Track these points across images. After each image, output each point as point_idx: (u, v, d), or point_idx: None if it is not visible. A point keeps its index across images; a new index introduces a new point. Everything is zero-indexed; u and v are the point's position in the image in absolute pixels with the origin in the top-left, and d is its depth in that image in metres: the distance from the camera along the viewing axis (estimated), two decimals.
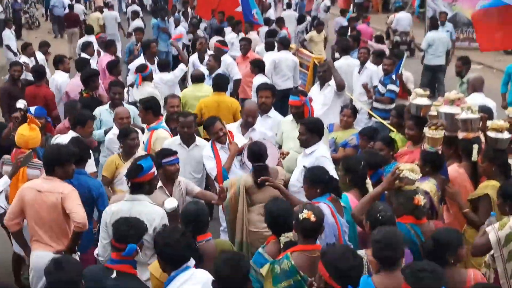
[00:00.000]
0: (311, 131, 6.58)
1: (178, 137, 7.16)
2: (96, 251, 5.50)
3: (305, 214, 4.50)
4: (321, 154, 6.50)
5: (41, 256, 5.46)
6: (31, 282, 5.71)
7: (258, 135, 7.25)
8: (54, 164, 5.56)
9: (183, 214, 4.94)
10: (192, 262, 4.30)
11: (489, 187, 5.60)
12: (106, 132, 7.99)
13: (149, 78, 9.76)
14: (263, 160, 6.18)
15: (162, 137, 7.33)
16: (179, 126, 7.11)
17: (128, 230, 4.44)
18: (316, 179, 5.40)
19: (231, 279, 3.81)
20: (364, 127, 8.14)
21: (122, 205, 5.26)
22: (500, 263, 4.88)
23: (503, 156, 5.80)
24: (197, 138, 7.27)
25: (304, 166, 6.47)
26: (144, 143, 7.32)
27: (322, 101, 8.79)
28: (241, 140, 6.99)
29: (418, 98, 6.58)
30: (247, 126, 7.45)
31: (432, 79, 13.89)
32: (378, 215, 4.66)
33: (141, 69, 9.76)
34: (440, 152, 5.82)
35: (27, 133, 6.58)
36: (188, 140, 7.09)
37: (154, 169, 5.32)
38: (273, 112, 8.03)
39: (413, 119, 6.61)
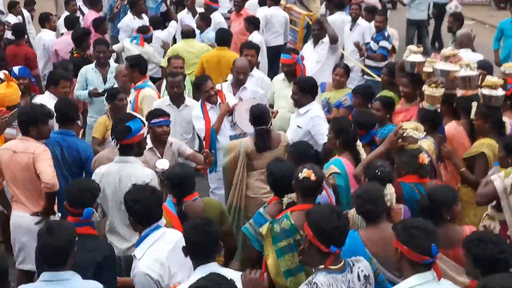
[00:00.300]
0: (304, 90, 6.43)
1: (167, 97, 6.97)
2: None
3: (305, 173, 4.41)
4: (315, 114, 6.37)
5: (19, 216, 5.47)
6: (12, 242, 5.67)
7: (249, 94, 7.09)
8: (28, 124, 5.45)
9: (169, 176, 4.86)
10: (163, 221, 4.24)
11: (485, 145, 5.53)
12: (90, 94, 7.82)
13: (149, 40, 9.55)
14: (266, 123, 5.98)
15: (149, 95, 7.16)
16: (168, 86, 6.92)
17: (82, 195, 4.36)
18: (302, 154, 5.21)
19: (199, 244, 3.73)
20: (358, 85, 7.94)
21: (111, 166, 5.14)
22: (508, 211, 4.85)
23: (497, 113, 5.70)
24: (187, 98, 7.10)
25: (298, 126, 6.38)
26: (131, 102, 7.14)
27: (315, 59, 8.66)
28: (231, 100, 6.83)
29: (412, 55, 6.46)
30: (238, 84, 7.27)
31: (417, 34, 13.63)
32: (376, 171, 4.60)
33: (143, 30, 9.51)
34: (439, 110, 5.72)
35: (2, 91, 6.48)
36: (177, 101, 6.91)
37: (143, 131, 5.19)
38: (256, 71, 7.88)
39: (407, 76, 6.48)
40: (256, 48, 7.98)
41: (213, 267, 3.66)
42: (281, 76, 7.62)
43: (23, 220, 5.42)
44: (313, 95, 6.52)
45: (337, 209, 3.77)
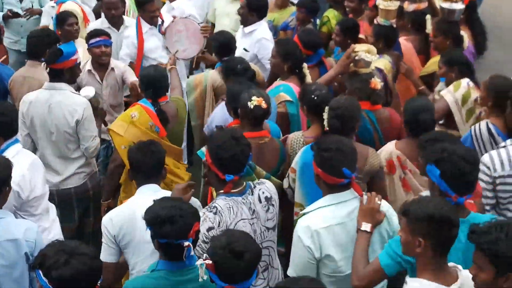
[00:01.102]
0: (250, 7, 5.98)
1: (104, 19, 6.34)
2: None
3: (255, 101, 4.12)
4: (262, 36, 5.94)
5: None
6: None
7: (177, 13, 6.47)
8: None
9: (142, 77, 4.74)
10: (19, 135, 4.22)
11: None
12: (4, 17, 7.14)
13: None
14: (232, 53, 5.42)
15: (70, 9, 6.48)
16: (104, 8, 6.31)
17: None
18: (228, 70, 4.97)
19: (143, 164, 3.75)
20: None
21: (40, 93, 4.72)
22: (461, 124, 4.77)
23: (456, 28, 5.53)
24: (126, 18, 6.47)
25: (244, 49, 5.95)
26: (53, 18, 6.43)
27: None
28: (167, 20, 6.24)
29: None
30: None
31: None
32: (313, 96, 4.31)
33: None
34: (394, 25, 5.45)
35: None
36: (116, 23, 6.31)
37: (77, 55, 4.79)
38: None
39: None
40: None
41: (154, 188, 3.72)
42: None
43: None
44: (259, 15, 6.06)
45: (238, 133, 3.60)
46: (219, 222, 3.41)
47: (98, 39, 5.49)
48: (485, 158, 3.92)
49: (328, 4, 7.01)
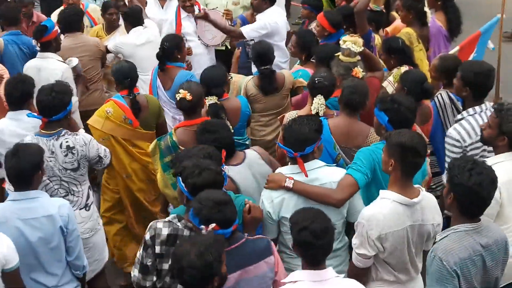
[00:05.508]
0: None
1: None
2: None
3: (181, 93, 4.41)
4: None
5: None
6: None
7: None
8: None
9: (117, 71, 5.00)
10: None
11: (403, 33, 5.69)
12: None
13: None
14: (270, 62, 5.27)
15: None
16: None
17: None
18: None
19: (13, 94, 4.54)
20: None
21: (32, 61, 5.60)
22: None
23: (419, 5, 5.89)
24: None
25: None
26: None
27: None
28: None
29: None
30: None
31: None
32: (316, 80, 4.50)
33: None
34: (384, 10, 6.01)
35: None
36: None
37: (56, 28, 5.59)
38: None
39: None
40: None
41: (24, 113, 4.47)
42: None
43: None
44: (272, 2, 6.43)
45: (58, 87, 4.25)
46: None
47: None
48: (452, 133, 4.26)
49: None
